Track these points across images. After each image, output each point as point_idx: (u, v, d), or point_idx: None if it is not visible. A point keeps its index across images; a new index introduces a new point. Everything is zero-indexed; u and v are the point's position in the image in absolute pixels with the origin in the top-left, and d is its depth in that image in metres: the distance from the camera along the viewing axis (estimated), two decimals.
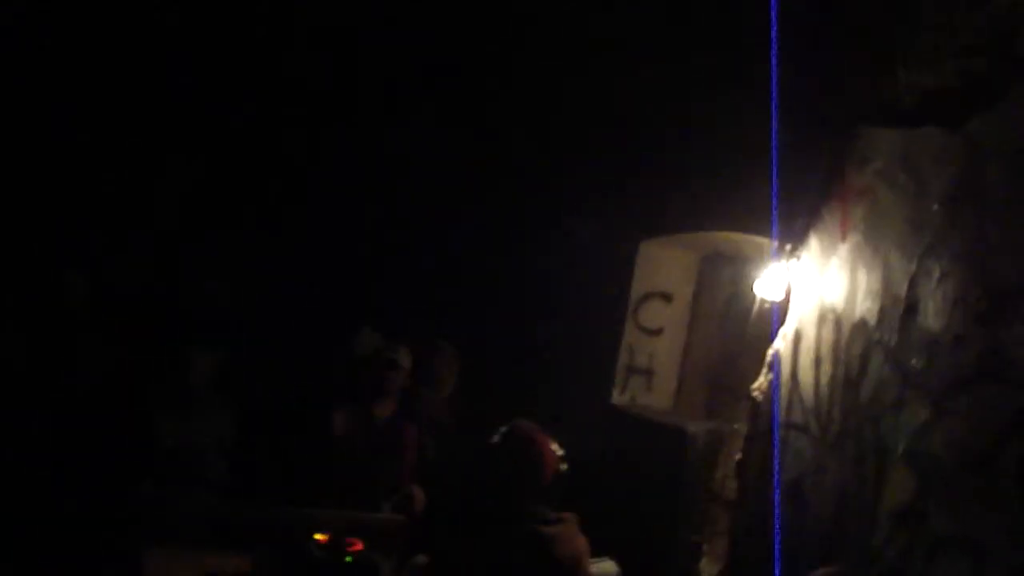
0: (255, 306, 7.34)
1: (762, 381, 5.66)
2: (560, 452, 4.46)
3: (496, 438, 4.43)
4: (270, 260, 7.55)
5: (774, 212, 5.57)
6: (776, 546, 3.83)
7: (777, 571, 3.94)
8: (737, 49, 6.01)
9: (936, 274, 4.39)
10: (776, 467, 4.91)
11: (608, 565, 5.25)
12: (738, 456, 5.70)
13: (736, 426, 5.97)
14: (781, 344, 5.51)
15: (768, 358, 5.65)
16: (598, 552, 4.93)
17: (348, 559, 5.28)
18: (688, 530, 6.05)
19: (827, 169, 5.39)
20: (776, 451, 5.06)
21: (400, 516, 6.04)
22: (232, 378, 6.62)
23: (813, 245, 5.41)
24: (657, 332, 6.81)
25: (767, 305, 5.86)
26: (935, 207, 4.45)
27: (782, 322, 5.47)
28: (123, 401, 6.40)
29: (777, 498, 4.73)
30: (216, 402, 6.55)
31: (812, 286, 5.26)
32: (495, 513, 4.34)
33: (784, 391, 5.30)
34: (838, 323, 4.94)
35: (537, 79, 7.18)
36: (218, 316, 7.17)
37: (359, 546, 5.30)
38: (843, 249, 5.02)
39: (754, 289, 6.00)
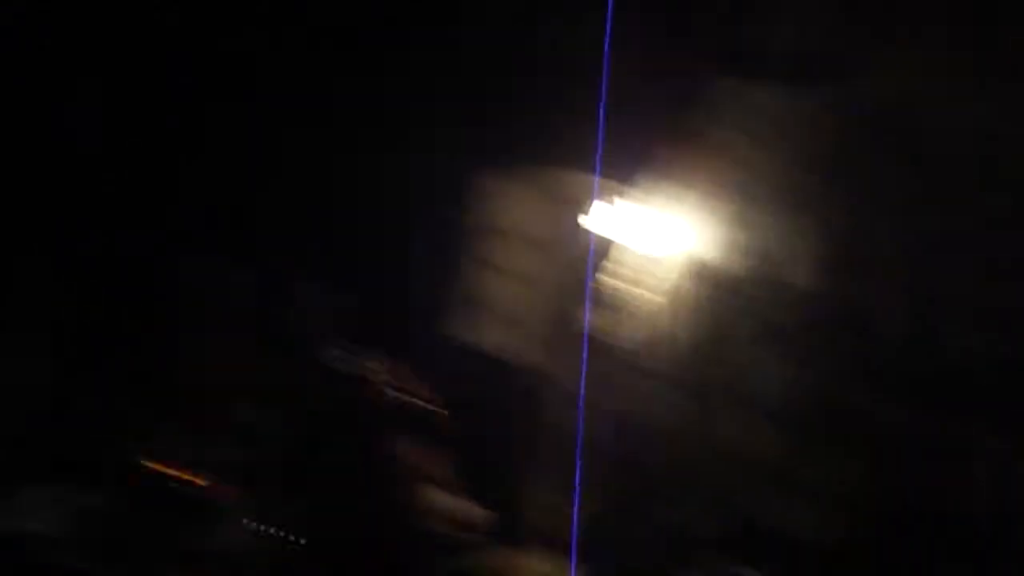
0: None
1: (602, 320, 5.75)
2: None
3: None
4: None
5: (599, 149, 5.62)
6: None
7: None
8: None
9: (800, 232, 4.56)
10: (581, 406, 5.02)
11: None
12: (580, 393, 5.79)
13: (576, 362, 6.05)
14: (622, 284, 5.60)
15: (606, 296, 5.74)
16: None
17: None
18: (538, 466, 6.11)
19: (672, 113, 5.47)
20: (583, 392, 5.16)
21: None
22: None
23: (657, 188, 5.49)
24: (495, 267, 6.78)
25: (603, 242, 5.93)
26: (800, 168, 4.60)
27: (641, 269, 5.55)
28: None
29: (579, 432, 4.84)
30: None
31: (673, 236, 5.34)
32: None
33: (634, 333, 5.41)
34: (703, 275, 5.06)
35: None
36: None
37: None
38: (706, 201, 5.13)
39: (587, 226, 6.06)
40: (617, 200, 5.66)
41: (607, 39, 5.63)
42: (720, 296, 4.88)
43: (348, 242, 6.89)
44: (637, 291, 5.55)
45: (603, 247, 6.01)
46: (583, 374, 5.57)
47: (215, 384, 5.68)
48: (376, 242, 6.84)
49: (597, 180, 5.85)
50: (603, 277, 5.96)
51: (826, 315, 4.42)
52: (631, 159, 5.70)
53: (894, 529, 4.22)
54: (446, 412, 5.00)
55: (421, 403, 5.38)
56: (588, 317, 5.75)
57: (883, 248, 4.37)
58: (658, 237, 5.46)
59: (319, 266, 6.54)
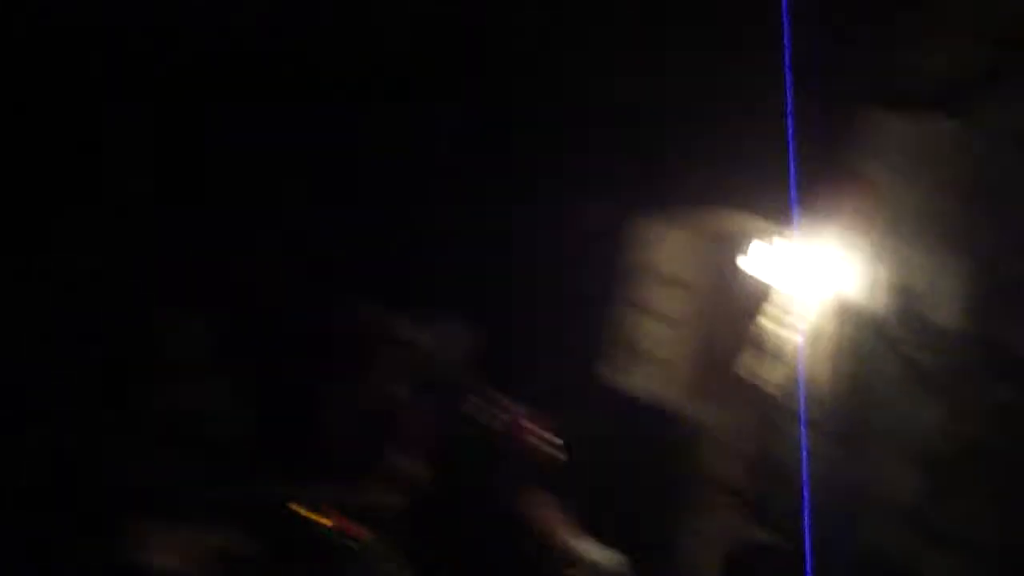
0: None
1: (773, 371, 5.56)
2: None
3: None
4: None
5: (792, 194, 5.46)
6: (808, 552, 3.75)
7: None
8: (746, 22, 5.87)
9: (948, 268, 4.32)
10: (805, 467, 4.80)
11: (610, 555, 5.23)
12: (750, 446, 5.64)
13: (743, 414, 5.89)
14: (794, 335, 5.41)
15: (780, 347, 5.56)
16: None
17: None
18: (689, 518, 5.97)
19: (831, 153, 5.30)
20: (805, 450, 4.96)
21: None
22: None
23: (817, 231, 5.32)
24: (658, 314, 6.70)
25: (771, 290, 5.78)
26: (948, 199, 4.37)
27: (790, 310, 5.39)
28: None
29: (808, 498, 4.67)
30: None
31: (820, 275, 5.17)
32: None
33: (787, 378, 5.24)
34: (848, 315, 4.86)
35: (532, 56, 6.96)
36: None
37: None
38: (852, 238, 4.94)
39: (757, 273, 5.90)
40: (774, 240, 5.53)
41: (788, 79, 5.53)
42: (868, 337, 4.67)
43: (501, 282, 6.87)
44: (791, 333, 5.37)
45: (760, 289, 5.85)
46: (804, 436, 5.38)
47: (364, 429, 5.80)
48: (530, 283, 6.82)
49: (756, 221, 5.79)
50: (761, 320, 5.79)
51: (974, 356, 4.14)
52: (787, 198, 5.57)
53: None
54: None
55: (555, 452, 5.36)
56: (744, 361, 5.65)
57: None
58: (811, 277, 5.28)
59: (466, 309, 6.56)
